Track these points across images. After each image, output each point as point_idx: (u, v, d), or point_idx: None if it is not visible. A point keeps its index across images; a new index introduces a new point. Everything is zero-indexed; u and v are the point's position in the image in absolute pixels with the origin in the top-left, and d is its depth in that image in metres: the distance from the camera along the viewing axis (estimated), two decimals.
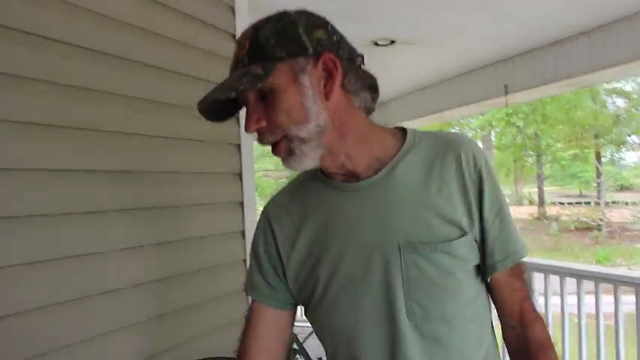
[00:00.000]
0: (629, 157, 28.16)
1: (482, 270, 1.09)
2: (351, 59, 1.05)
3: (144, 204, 1.90)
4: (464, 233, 1.04)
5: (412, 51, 4.71)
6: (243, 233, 2.38)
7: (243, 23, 2.31)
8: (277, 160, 1.06)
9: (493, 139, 21.14)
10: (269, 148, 1.03)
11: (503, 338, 1.15)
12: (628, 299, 3.44)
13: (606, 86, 17.76)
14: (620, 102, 19.81)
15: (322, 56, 0.99)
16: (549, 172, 24.40)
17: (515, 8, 3.87)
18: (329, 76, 1.00)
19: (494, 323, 1.18)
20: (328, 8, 1.14)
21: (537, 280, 4.06)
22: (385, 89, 6.51)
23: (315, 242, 1.10)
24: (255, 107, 1.00)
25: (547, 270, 3.93)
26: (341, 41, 1.04)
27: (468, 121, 19.94)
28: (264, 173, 26.70)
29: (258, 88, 0.97)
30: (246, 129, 1.01)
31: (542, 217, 21.34)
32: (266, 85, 0.97)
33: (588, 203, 22.59)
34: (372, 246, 1.04)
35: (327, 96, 1.00)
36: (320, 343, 1.19)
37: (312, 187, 1.14)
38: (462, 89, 5.61)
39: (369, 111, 1.11)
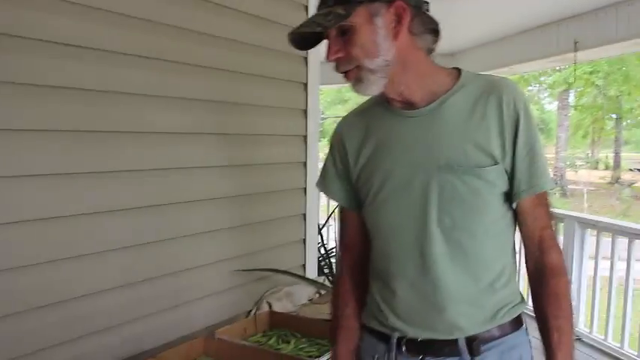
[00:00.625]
0: None
1: (510, 197, 1.28)
2: (418, 6, 1.26)
3: (225, 130, 2.21)
4: (495, 163, 1.23)
5: (482, 3, 4.72)
6: (305, 164, 2.65)
7: None
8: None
9: (571, 97, 20.36)
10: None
11: (525, 262, 1.34)
12: None
13: None
14: None
15: (394, 3, 1.20)
16: (630, 137, 23.36)
17: None
18: (398, 20, 1.21)
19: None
20: None
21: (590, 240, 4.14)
22: (455, 41, 6.52)
23: (373, 155, 1.32)
24: (335, 41, 1.21)
25: (601, 227, 3.98)
26: None
27: (545, 78, 19.26)
28: (335, 120, 26.92)
29: (339, 26, 1.20)
30: (327, 58, 1.24)
31: (615, 181, 20.65)
32: (346, 23, 1.19)
33: None
34: (417, 164, 1.25)
35: (395, 36, 1.20)
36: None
37: (375, 111, 1.35)
38: (531, 43, 5.53)
39: (429, 51, 1.30)
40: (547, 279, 1.27)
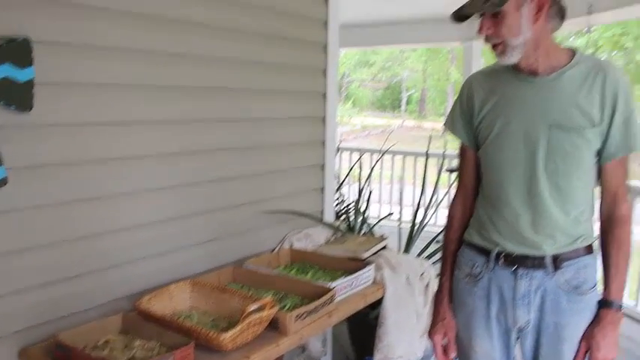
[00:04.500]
0: None
1: (600, 155, 1.63)
2: None
3: (250, 86, 2.49)
4: (594, 126, 1.59)
5: None
6: (324, 119, 2.93)
7: None
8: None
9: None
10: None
11: (599, 208, 1.69)
12: None
13: None
14: None
15: None
16: None
17: None
18: (539, 9, 1.55)
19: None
20: None
21: None
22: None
23: (496, 106, 1.70)
24: (487, 21, 1.57)
25: None
26: None
27: (571, 41, 18.76)
28: (361, 83, 26.88)
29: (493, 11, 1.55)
30: (479, 32, 1.60)
31: None
32: (499, 10, 1.53)
33: None
34: (533, 119, 1.62)
35: (534, 21, 1.56)
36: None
37: (502, 74, 1.71)
38: None
39: (553, 31, 1.63)
40: (614, 226, 1.66)
